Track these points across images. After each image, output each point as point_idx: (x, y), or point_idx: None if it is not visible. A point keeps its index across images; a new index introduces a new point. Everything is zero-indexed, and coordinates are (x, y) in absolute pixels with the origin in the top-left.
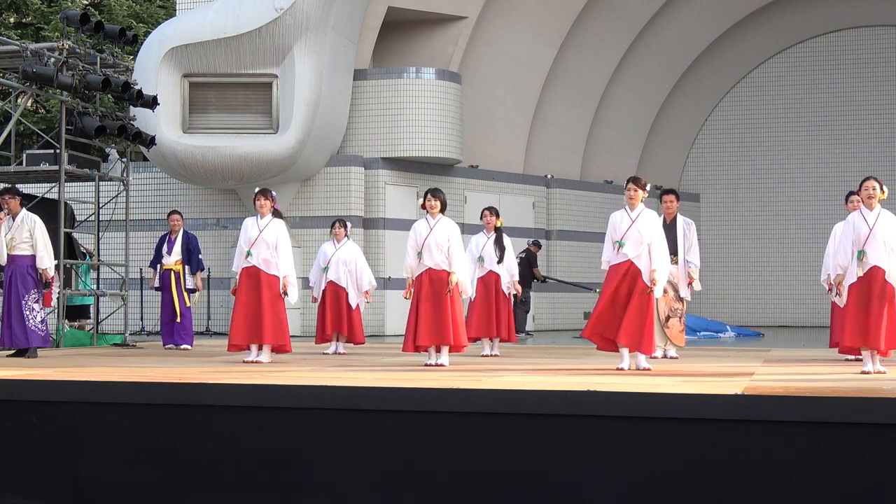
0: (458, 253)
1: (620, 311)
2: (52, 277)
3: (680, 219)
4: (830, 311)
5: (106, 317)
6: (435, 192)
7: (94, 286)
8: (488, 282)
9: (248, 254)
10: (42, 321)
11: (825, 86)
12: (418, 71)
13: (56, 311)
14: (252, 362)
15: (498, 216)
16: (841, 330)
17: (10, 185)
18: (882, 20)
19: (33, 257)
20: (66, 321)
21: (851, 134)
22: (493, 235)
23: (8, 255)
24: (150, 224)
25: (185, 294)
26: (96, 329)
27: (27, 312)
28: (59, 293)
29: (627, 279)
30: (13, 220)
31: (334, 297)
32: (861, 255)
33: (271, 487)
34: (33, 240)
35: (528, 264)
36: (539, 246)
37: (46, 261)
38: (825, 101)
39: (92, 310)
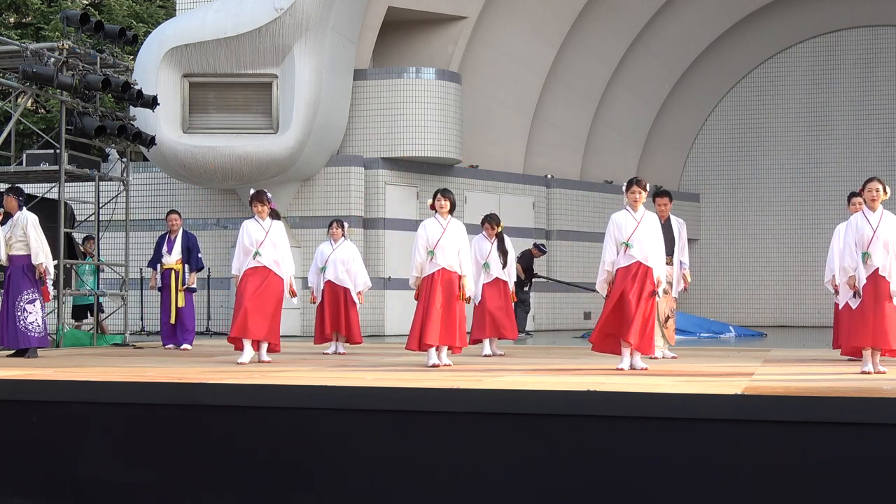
0: (468, 257)
1: (629, 311)
2: (45, 271)
3: (673, 219)
4: (834, 313)
5: (106, 317)
6: (445, 193)
7: (95, 286)
8: (498, 287)
9: (257, 254)
10: (35, 321)
11: (825, 86)
12: (418, 71)
13: (56, 310)
14: (260, 362)
15: (498, 224)
16: (847, 331)
17: (12, 185)
18: (882, 20)
19: (29, 256)
20: (73, 321)
21: (851, 134)
22: (495, 241)
23: (7, 255)
24: (150, 224)
25: (181, 294)
26: (96, 329)
27: (19, 313)
28: (56, 291)
29: (637, 280)
30: (11, 219)
31: (332, 296)
32: (865, 256)
33: (271, 487)
34: (27, 237)
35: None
36: (542, 251)
37: (41, 256)
38: (825, 101)
39: (91, 310)
